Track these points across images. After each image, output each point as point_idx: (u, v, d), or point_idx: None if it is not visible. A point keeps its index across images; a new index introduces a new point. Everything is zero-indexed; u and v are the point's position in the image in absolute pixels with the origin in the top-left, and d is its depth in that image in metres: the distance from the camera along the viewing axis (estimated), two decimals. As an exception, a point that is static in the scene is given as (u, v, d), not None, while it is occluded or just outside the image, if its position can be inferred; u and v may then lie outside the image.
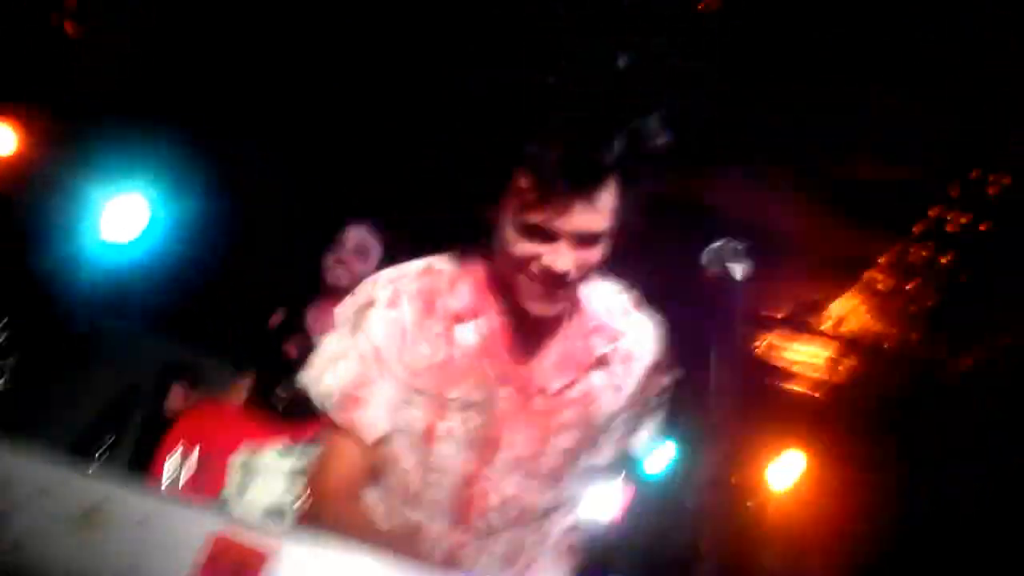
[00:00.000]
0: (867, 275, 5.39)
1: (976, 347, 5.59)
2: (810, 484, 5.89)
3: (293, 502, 3.70)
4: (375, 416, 2.08)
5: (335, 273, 4.00)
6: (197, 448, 3.80)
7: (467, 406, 2.07)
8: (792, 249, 5.24)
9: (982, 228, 4.71)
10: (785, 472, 5.92)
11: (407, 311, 2.08)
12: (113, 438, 4.44)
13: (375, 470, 2.14)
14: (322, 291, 4.07)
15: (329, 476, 2.08)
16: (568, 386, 2.12)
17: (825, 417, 6.01)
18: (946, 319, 5.49)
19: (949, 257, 5.02)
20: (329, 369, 2.11)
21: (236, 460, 3.78)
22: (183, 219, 5.10)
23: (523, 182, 1.86)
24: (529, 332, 2.10)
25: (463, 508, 2.10)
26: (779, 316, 5.73)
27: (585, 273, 1.96)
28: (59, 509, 1.50)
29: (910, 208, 4.79)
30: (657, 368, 2.21)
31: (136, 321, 5.90)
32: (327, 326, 3.95)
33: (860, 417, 5.96)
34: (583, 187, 1.84)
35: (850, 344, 5.88)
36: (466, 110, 2.02)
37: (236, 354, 4.14)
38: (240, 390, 4.04)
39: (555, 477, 2.15)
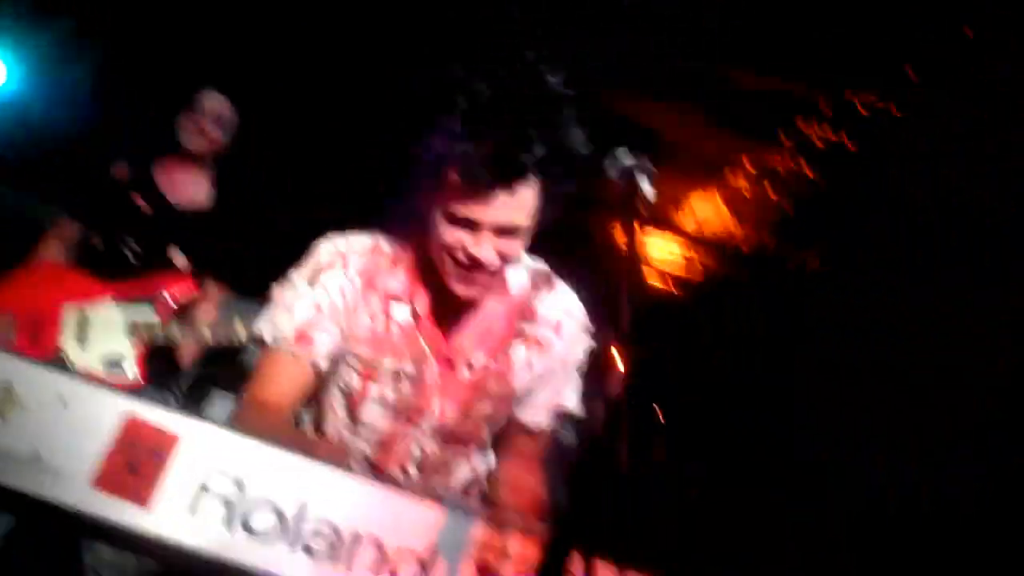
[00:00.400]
0: (730, 178, 5.57)
1: (821, 249, 5.88)
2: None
3: (132, 350, 3.78)
4: (321, 354, 2.26)
5: (192, 138, 3.99)
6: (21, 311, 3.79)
7: (397, 375, 2.29)
8: (660, 147, 5.36)
9: (847, 145, 4.92)
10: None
11: (354, 282, 2.28)
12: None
13: (311, 414, 2.38)
14: (174, 151, 4.03)
15: (269, 388, 2.25)
16: (490, 359, 2.35)
17: (678, 313, 6.24)
18: (798, 223, 5.75)
19: (809, 168, 5.23)
20: (285, 312, 2.27)
21: (70, 313, 3.80)
22: (40, 74, 4.91)
23: (452, 176, 2.06)
24: (456, 311, 2.32)
25: (383, 459, 2.34)
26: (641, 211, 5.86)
27: (506, 261, 2.18)
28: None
29: (779, 117, 4.95)
30: (577, 336, 2.44)
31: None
32: (177, 184, 3.97)
33: (712, 314, 6.22)
34: (504, 182, 2.04)
35: (707, 243, 6.10)
36: (405, 109, 2.22)
37: (75, 203, 4.06)
38: (58, 237, 4.00)
39: (472, 438, 2.41)
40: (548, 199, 2.12)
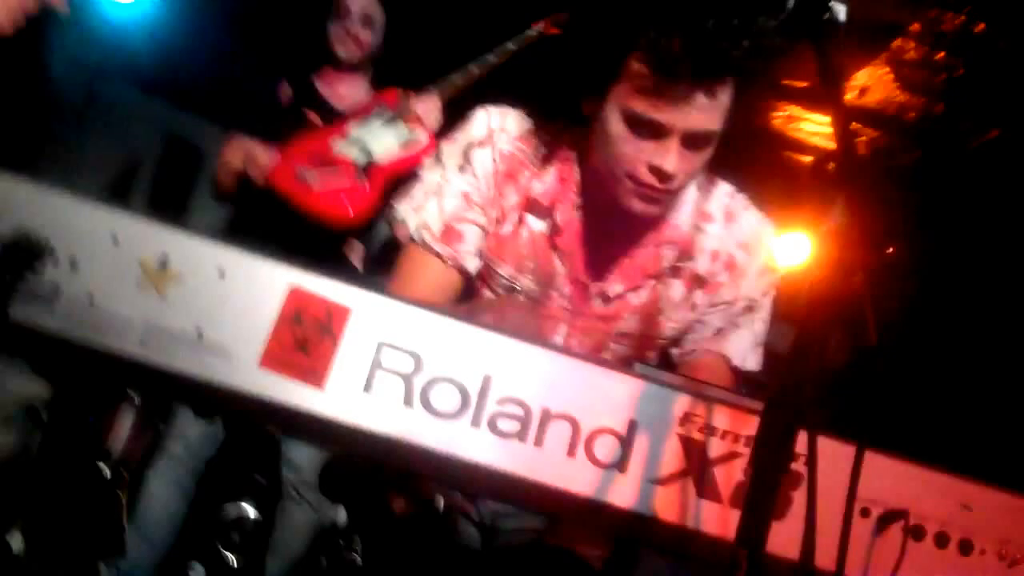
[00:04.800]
0: (896, 44, 5.17)
1: (1000, 119, 5.47)
2: (822, 260, 5.78)
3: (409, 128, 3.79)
4: (472, 250, 2.03)
5: (345, 46, 3.93)
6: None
7: (512, 289, 2.02)
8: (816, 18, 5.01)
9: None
10: (794, 249, 5.80)
11: (498, 165, 2.01)
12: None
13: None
14: (329, 62, 3.97)
15: (412, 292, 1.99)
16: (629, 292, 2.03)
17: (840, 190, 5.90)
18: (972, 91, 5.33)
19: (982, 26, 4.82)
20: (432, 200, 2.04)
21: (341, 145, 3.82)
22: None
23: (638, 68, 1.74)
24: (602, 232, 2.01)
25: None
26: (800, 86, 5.54)
27: (690, 177, 1.88)
28: (131, 259, 1.39)
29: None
30: (754, 276, 2.08)
31: (133, 86, 5.65)
32: (339, 94, 3.90)
33: (878, 190, 5.87)
34: (706, 80, 1.73)
35: (872, 115, 5.73)
36: None
37: (247, 126, 4.02)
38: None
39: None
40: (741, 101, 1.81)
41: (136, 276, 1.38)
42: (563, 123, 2.01)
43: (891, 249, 5.20)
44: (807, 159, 6.10)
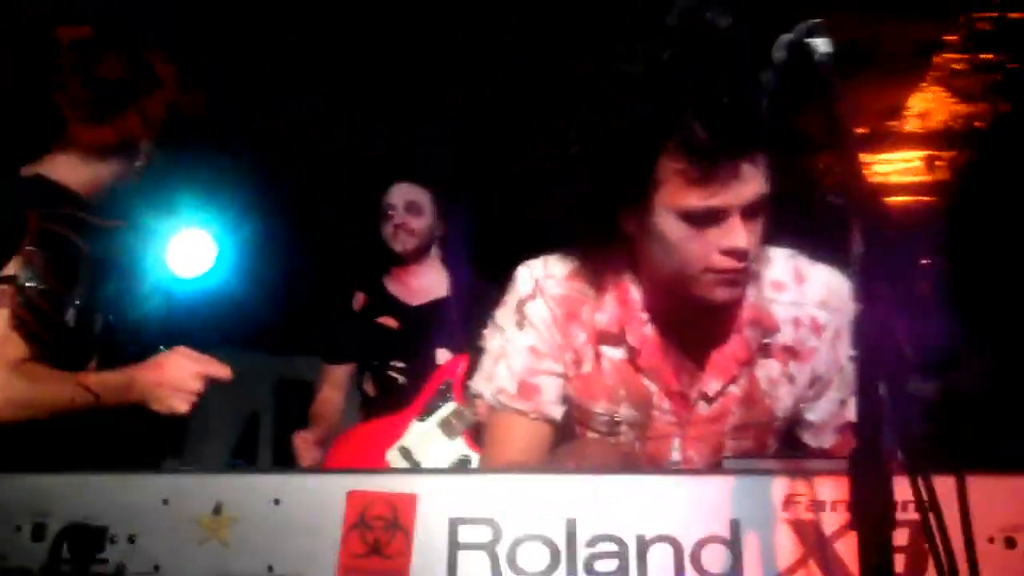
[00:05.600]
0: (937, 60, 5.06)
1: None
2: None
3: (462, 443, 3.66)
4: (552, 399, 1.99)
5: (397, 239, 3.96)
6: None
7: (613, 423, 1.97)
8: (853, 58, 4.94)
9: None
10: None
11: (555, 312, 1.99)
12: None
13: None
14: (392, 260, 4.02)
15: (506, 454, 1.97)
16: (728, 385, 1.96)
17: (942, 217, 5.71)
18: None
19: (1020, 15, 4.68)
20: (500, 363, 2.02)
21: (394, 455, 3.73)
22: (247, 241, 4.99)
23: (674, 165, 1.72)
24: (680, 338, 1.97)
25: None
26: (860, 132, 5.42)
27: (759, 246, 1.82)
28: (185, 516, 1.37)
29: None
30: (839, 337, 1.98)
31: (226, 346, 5.81)
32: (412, 288, 3.92)
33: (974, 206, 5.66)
34: (744, 148, 1.71)
35: (942, 136, 5.57)
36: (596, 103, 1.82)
37: (334, 347, 4.08)
38: (336, 380, 4.01)
39: None
40: (777, 154, 1.78)
41: (195, 531, 1.36)
42: (601, 249, 1.97)
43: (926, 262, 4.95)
44: (897, 198, 5.94)
